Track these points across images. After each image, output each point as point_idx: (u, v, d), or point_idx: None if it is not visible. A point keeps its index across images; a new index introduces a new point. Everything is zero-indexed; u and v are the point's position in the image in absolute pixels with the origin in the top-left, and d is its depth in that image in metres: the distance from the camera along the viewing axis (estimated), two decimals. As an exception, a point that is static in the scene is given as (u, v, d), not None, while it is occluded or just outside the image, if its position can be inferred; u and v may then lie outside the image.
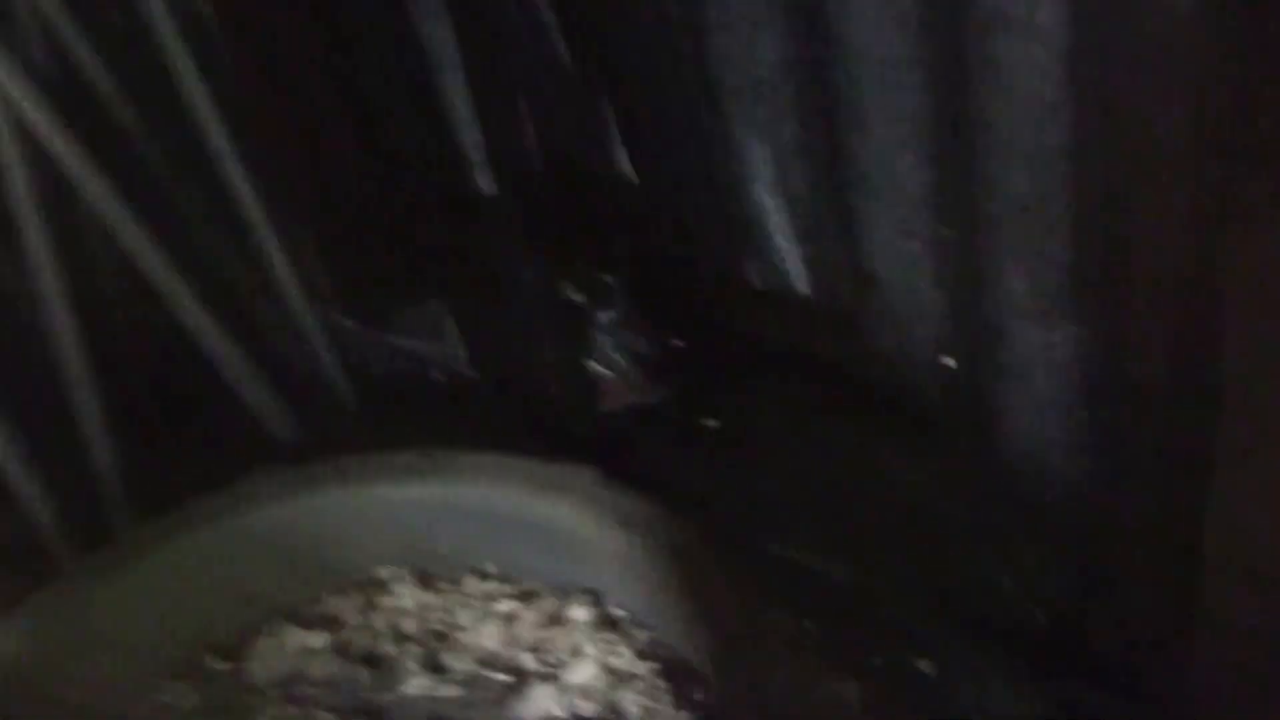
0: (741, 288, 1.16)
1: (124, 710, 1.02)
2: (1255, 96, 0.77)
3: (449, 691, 1.00)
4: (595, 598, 1.00)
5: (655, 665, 0.97)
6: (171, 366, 1.22)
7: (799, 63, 1.09)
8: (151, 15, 1.09)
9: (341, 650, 1.04)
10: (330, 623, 1.05)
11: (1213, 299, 0.85)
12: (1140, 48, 0.82)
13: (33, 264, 1.08)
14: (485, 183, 1.24)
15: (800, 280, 1.20)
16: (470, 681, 1.01)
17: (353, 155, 1.23)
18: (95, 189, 1.07)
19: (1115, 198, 0.89)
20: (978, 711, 0.99)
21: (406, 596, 1.04)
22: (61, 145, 1.06)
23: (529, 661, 1.00)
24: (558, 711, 0.96)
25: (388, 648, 1.03)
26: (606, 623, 0.99)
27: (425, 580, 1.05)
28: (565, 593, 1.01)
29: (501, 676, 1.00)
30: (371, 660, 1.03)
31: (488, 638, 1.01)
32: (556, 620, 1.01)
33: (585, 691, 0.97)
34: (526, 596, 1.02)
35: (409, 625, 1.04)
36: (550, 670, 0.99)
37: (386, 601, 1.05)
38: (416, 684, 1.01)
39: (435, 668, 1.01)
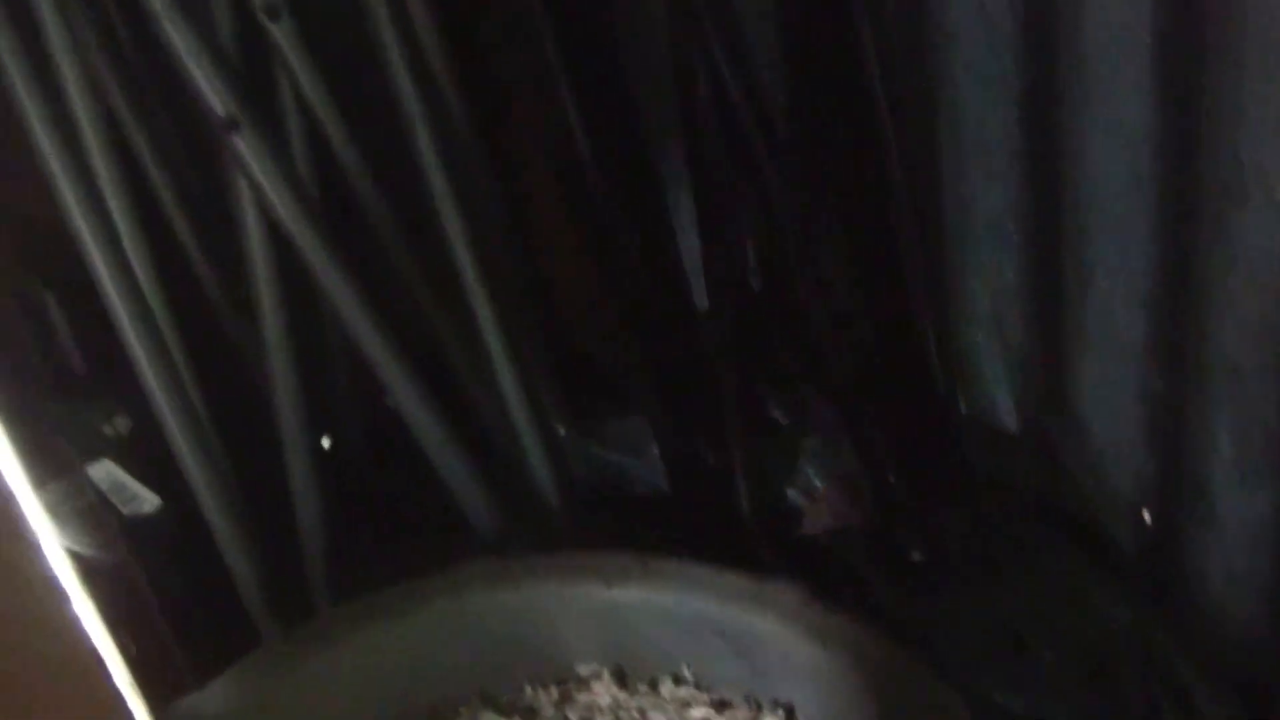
0: (949, 419, 1.19)
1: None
2: None
3: None
4: (789, 712, 1.02)
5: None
6: (383, 453, 1.28)
7: (1028, 212, 1.13)
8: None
9: (535, 741, 1.06)
10: (526, 712, 1.08)
11: None
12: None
13: (268, 339, 1.14)
14: (700, 299, 1.28)
15: (1008, 416, 1.22)
16: (667, 782, 1.03)
17: (584, 268, 1.28)
18: (332, 280, 1.12)
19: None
20: None
21: (603, 694, 1.07)
22: (309, 238, 1.12)
23: (714, 777, 1.02)
24: (750, 818, 0.98)
25: None
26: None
27: (622, 680, 1.08)
28: (759, 705, 1.03)
29: None
30: (563, 753, 1.06)
31: (673, 753, 1.04)
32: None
33: (778, 801, 0.99)
34: (721, 705, 1.05)
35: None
36: None
37: (583, 697, 1.08)
38: (611, 780, 1.03)
39: None
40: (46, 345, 1.23)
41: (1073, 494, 1.19)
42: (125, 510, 1.22)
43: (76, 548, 1.30)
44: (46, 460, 1.27)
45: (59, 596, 1.34)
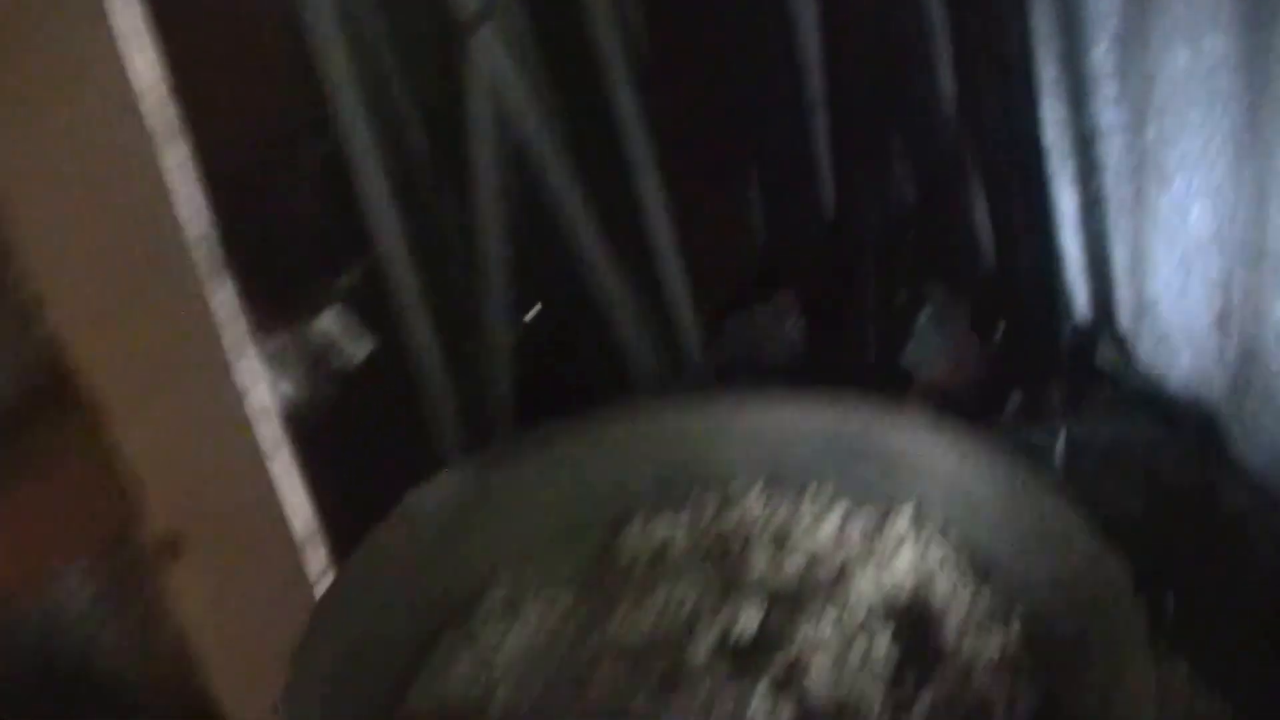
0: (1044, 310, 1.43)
1: (520, 567, 1.29)
2: None
3: (788, 577, 1.25)
4: (917, 509, 1.25)
5: (967, 569, 1.21)
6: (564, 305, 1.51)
7: (1116, 126, 1.37)
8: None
9: (698, 538, 1.29)
10: (690, 518, 1.31)
11: None
12: None
13: (484, 215, 1.38)
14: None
15: (1090, 308, 1.46)
16: (804, 569, 1.26)
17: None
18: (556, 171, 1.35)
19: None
20: None
21: (756, 503, 1.30)
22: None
23: (854, 556, 1.25)
24: (876, 594, 1.21)
25: (735, 540, 1.29)
26: (924, 529, 1.24)
27: (772, 492, 1.31)
28: (891, 506, 1.26)
29: (830, 567, 1.25)
30: (722, 548, 1.29)
31: (821, 537, 1.26)
32: (881, 526, 1.26)
33: (900, 579, 1.22)
34: (857, 507, 1.28)
35: (755, 526, 1.29)
36: (872, 563, 1.24)
37: (737, 507, 1.31)
38: (759, 569, 1.26)
39: (774, 558, 1.26)
40: (293, 209, 1.46)
41: (1145, 375, 1.43)
42: (346, 354, 1.45)
43: (291, 392, 1.54)
44: (278, 311, 1.52)
45: (257, 443, 1.58)
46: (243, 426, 1.59)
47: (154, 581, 1.63)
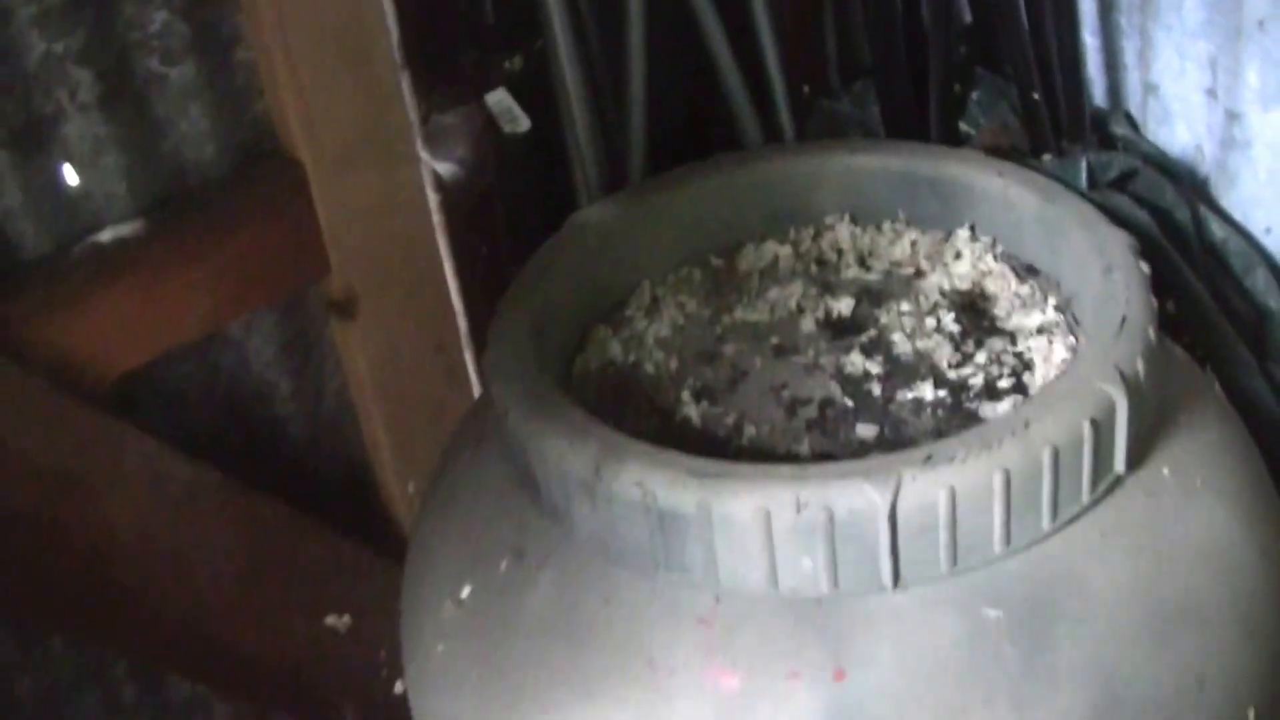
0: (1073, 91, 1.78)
1: (659, 278, 1.63)
2: None
3: (872, 278, 1.60)
4: (972, 229, 1.60)
5: (1014, 268, 1.56)
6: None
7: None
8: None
9: (799, 257, 1.64)
10: (793, 243, 1.66)
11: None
12: None
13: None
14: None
15: (1098, 93, 1.82)
16: (885, 274, 1.60)
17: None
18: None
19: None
20: None
21: (843, 231, 1.65)
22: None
23: (925, 264, 1.60)
24: (942, 288, 1.56)
25: (830, 257, 1.64)
26: (978, 243, 1.59)
27: (856, 222, 1.66)
28: (952, 229, 1.62)
29: (907, 270, 1.60)
30: (819, 263, 1.64)
31: (897, 252, 1.61)
32: (944, 241, 1.61)
33: (961, 278, 1.57)
34: (925, 229, 1.63)
35: (845, 246, 1.64)
36: (938, 268, 1.59)
37: (828, 235, 1.65)
38: (850, 273, 1.60)
39: (862, 266, 1.62)
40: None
41: (1151, 142, 1.78)
42: (506, 129, 1.78)
43: (452, 166, 1.85)
44: (448, 92, 1.82)
45: (430, 216, 1.87)
46: (418, 201, 1.88)
47: (329, 337, 1.93)
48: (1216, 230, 1.68)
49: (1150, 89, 1.74)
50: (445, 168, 1.76)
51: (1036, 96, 1.65)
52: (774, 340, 1.49)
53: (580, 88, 1.63)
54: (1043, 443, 1.18)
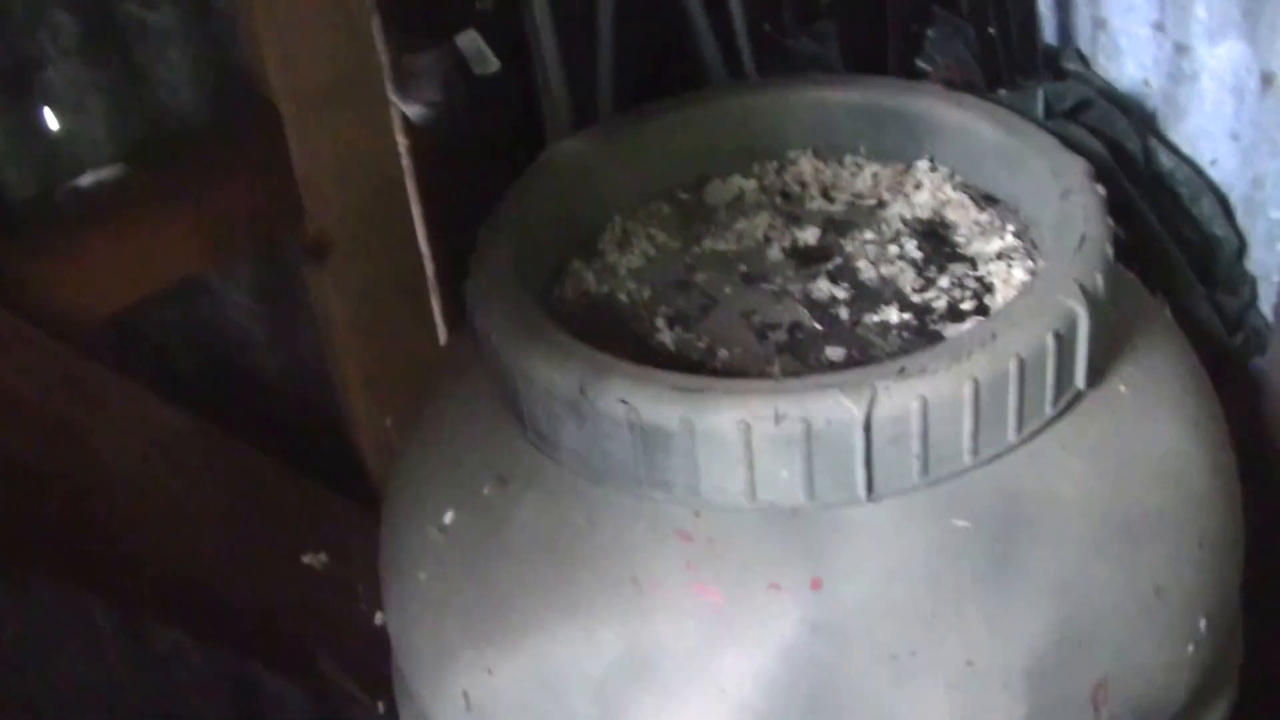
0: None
1: (629, 211, 1.68)
2: None
3: (836, 209, 1.65)
4: (932, 160, 1.66)
5: (973, 197, 1.61)
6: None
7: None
8: None
9: (765, 190, 1.69)
10: (757, 176, 1.71)
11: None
12: None
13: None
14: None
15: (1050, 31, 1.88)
16: (848, 205, 1.65)
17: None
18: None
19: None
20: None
21: (807, 165, 1.70)
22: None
23: (887, 195, 1.65)
24: (905, 215, 1.61)
25: (795, 190, 1.69)
26: (938, 173, 1.65)
27: (819, 156, 1.70)
28: (912, 161, 1.67)
29: (869, 201, 1.65)
30: (784, 195, 1.69)
31: (860, 184, 1.66)
32: (905, 173, 1.67)
33: (922, 207, 1.63)
34: (886, 161, 1.68)
35: (809, 179, 1.69)
36: (900, 198, 1.64)
37: (792, 169, 1.69)
38: (814, 204, 1.65)
39: (826, 198, 1.67)
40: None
41: (1101, 77, 1.84)
42: (476, 70, 1.82)
43: (422, 108, 1.89)
44: (418, 34, 1.85)
45: (400, 162, 1.90)
46: (389, 145, 1.91)
47: (303, 282, 1.96)
48: (1165, 160, 1.74)
49: (1099, 24, 1.80)
50: (414, 110, 1.80)
51: (991, 32, 1.70)
52: (743, 269, 1.54)
53: (550, 28, 1.66)
54: (1010, 354, 1.23)
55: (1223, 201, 1.74)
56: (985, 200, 1.55)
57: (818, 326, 1.39)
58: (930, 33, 1.82)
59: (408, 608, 1.39)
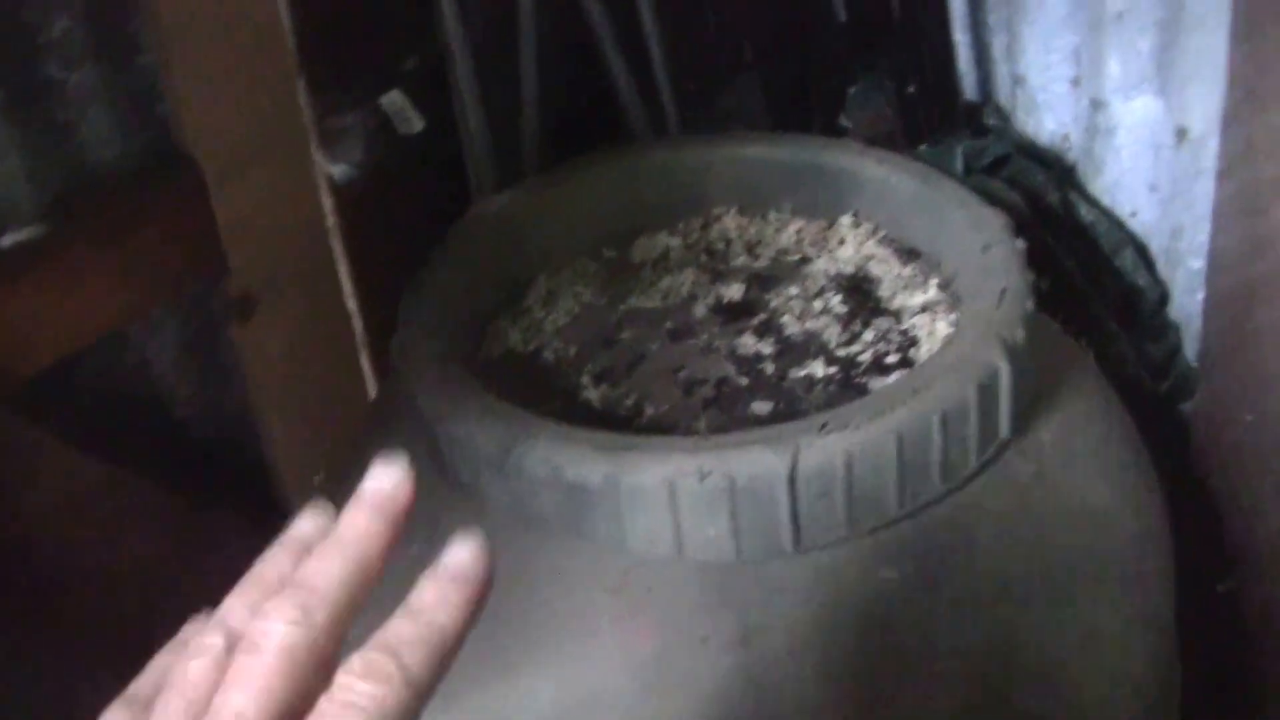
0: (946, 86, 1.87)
1: (555, 269, 1.69)
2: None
3: (761, 265, 1.67)
4: (855, 215, 1.67)
5: (897, 251, 1.63)
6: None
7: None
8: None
9: (690, 246, 1.70)
10: (682, 233, 1.72)
11: None
12: None
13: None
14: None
15: (970, 86, 1.91)
16: (773, 261, 1.66)
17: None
18: None
19: None
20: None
21: (731, 221, 1.71)
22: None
23: (811, 250, 1.67)
24: (829, 272, 1.63)
25: (720, 246, 1.70)
26: (861, 229, 1.66)
27: (744, 212, 1.71)
28: (835, 216, 1.69)
29: (794, 256, 1.67)
30: (709, 252, 1.70)
31: (784, 240, 1.68)
32: (829, 228, 1.68)
33: (846, 261, 1.64)
34: (810, 217, 1.69)
35: (733, 236, 1.71)
36: (824, 254, 1.66)
37: (718, 224, 1.71)
38: (739, 261, 1.66)
39: (751, 254, 1.68)
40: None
41: (1021, 132, 1.87)
42: (400, 130, 1.83)
43: (347, 167, 1.89)
44: (343, 94, 1.86)
45: (324, 216, 1.91)
46: (314, 203, 1.91)
47: (228, 339, 1.95)
48: (1085, 213, 1.77)
49: (1018, 80, 1.83)
50: (340, 169, 1.80)
51: (911, 90, 1.73)
52: (669, 325, 1.54)
53: (474, 87, 1.67)
54: (933, 407, 1.25)
55: (1143, 252, 1.77)
56: (909, 254, 1.55)
57: (744, 381, 1.40)
58: (852, 90, 1.83)
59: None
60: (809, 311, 1.52)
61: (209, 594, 1.79)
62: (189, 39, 1.63)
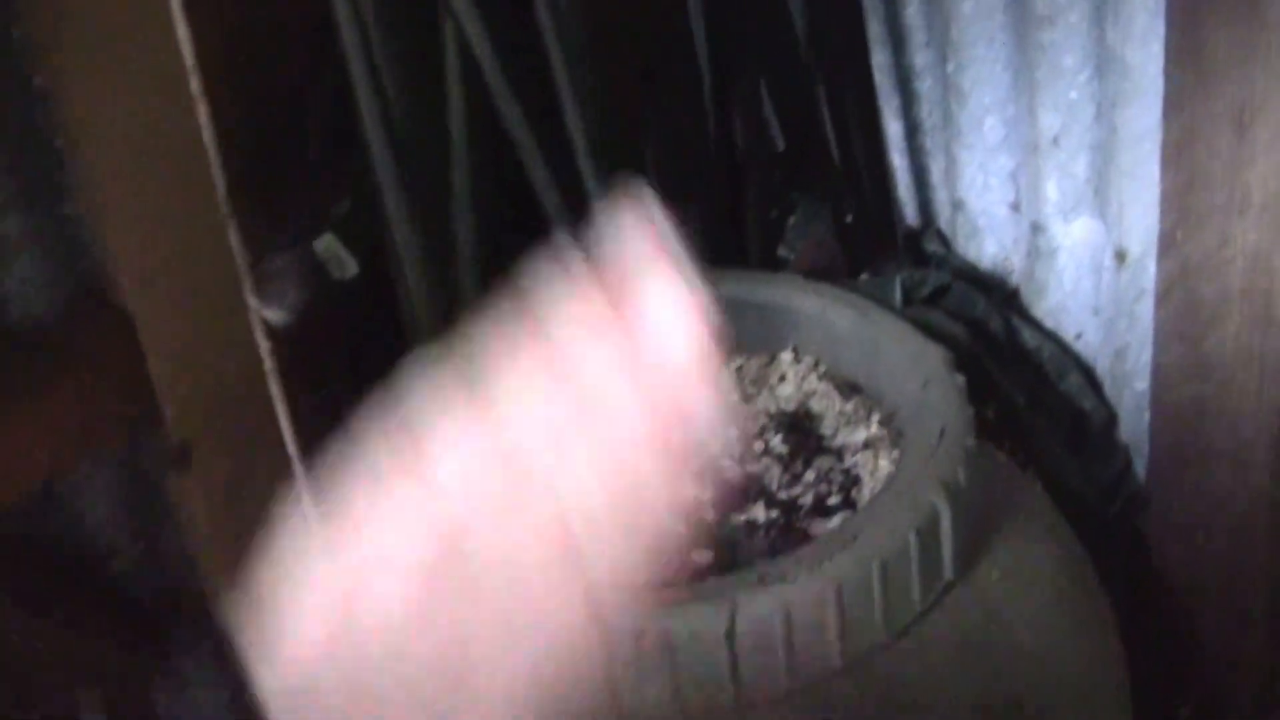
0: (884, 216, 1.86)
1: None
2: None
3: None
4: (794, 350, 1.65)
5: (838, 387, 1.61)
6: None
7: (927, 67, 1.81)
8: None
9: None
10: None
11: None
12: None
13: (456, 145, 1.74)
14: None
15: (910, 212, 1.90)
16: (714, 400, 1.65)
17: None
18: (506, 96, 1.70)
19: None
20: None
21: None
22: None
23: (751, 388, 1.64)
24: (769, 410, 1.60)
25: None
26: (801, 364, 1.64)
27: None
28: (775, 352, 1.66)
29: (730, 396, 1.65)
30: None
31: (723, 378, 1.66)
32: (769, 365, 1.66)
33: (787, 399, 1.62)
34: (749, 354, 1.67)
35: None
36: (764, 391, 1.63)
37: None
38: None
39: None
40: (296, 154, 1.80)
41: (961, 257, 1.86)
42: (334, 275, 1.80)
43: (282, 312, 1.86)
44: (276, 240, 1.84)
45: (261, 361, 1.87)
46: (250, 349, 1.88)
47: (165, 490, 1.91)
48: (1029, 338, 1.75)
49: (958, 205, 1.81)
50: (275, 314, 1.76)
51: (849, 219, 1.71)
52: (607, 470, 1.47)
53: (408, 231, 1.65)
54: (871, 555, 1.22)
55: (1089, 375, 1.75)
56: (849, 389, 1.53)
57: (682, 529, 1.35)
58: (790, 219, 1.81)
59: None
60: (749, 453, 1.48)
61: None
62: (117, 187, 1.59)
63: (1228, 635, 1.67)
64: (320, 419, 1.76)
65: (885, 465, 1.43)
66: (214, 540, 1.78)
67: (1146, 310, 1.63)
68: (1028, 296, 1.79)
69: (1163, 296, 1.56)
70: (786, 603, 1.19)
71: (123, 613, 1.81)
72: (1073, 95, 1.61)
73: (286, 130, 1.74)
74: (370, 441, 0.76)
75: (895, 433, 1.48)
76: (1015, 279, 1.80)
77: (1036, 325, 1.77)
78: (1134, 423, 1.75)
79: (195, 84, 1.58)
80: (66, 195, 1.58)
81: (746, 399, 1.57)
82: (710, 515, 1.39)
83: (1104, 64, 1.58)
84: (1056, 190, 1.68)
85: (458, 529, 0.73)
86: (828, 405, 1.54)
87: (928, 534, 1.25)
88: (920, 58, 1.80)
